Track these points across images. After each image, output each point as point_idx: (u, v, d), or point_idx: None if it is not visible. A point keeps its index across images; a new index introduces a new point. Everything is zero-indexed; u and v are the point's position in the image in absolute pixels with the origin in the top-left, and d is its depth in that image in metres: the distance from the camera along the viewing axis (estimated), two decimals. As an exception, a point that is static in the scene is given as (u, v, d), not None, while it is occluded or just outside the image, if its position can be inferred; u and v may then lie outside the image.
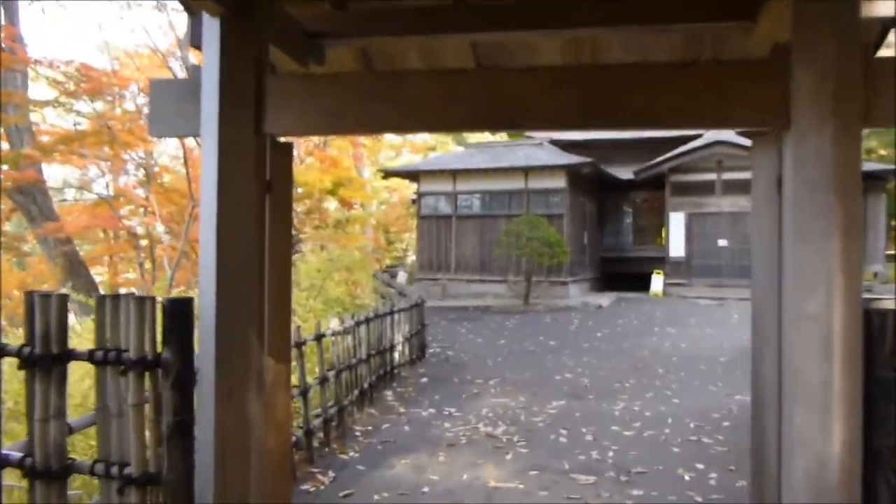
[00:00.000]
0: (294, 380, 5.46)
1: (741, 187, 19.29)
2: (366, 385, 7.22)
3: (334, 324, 6.30)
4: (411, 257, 27.77)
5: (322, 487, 4.86)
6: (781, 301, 2.48)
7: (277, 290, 2.69)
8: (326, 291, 11.23)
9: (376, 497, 4.61)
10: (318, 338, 5.86)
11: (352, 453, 5.68)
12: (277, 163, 2.76)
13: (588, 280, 20.41)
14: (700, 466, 5.16)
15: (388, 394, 7.94)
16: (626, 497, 4.55)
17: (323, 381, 5.84)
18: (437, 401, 7.68)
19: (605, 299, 17.95)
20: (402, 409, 7.28)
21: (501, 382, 8.69)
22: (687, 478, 4.92)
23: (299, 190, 19.85)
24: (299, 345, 5.37)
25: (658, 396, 7.73)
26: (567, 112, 2.63)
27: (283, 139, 2.89)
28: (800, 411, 2.27)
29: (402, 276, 22.51)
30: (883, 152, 31.97)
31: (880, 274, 21.29)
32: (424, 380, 8.91)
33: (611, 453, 5.56)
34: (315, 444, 5.80)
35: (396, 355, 9.11)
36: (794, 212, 2.34)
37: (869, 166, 21.12)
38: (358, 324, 6.99)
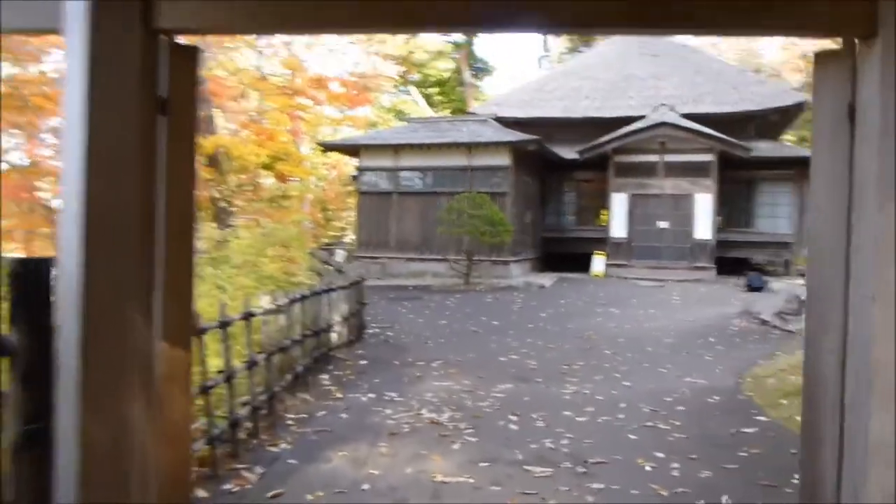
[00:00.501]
0: (220, 363, 4.88)
1: (683, 170, 19.37)
2: (300, 369, 6.66)
3: (265, 302, 5.71)
4: (351, 236, 27.05)
5: (248, 487, 4.31)
6: (850, 276, 2.02)
7: (176, 251, 2.04)
8: (259, 268, 10.55)
9: (309, 497, 4.10)
10: (247, 317, 5.26)
11: (283, 445, 5.13)
12: (178, 74, 2.12)
13: (530, 260, 20.18)
14: (660, 455, 4.82)
15: (325, 377, 7.39)
16: (586, 492, 4.16)
17: (251, 364, 5.26)
18: (378, 385, 7.18)
19: (547, 279, 17.75)
20: (339, 395, 6.75)
21: (444, 364, 8.25)
22: (648, 468, 4.58)
23: (234, 164, 18.93)
24: (224, 325, 4.78)
25: (608, 379, 7.43)
26: (605, 11, 2.05)
27: (184, 40, 2.21)
28: (879, 414, 1.83)
29: (340, 255, 21.80)
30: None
31: (812, 257, 21.79)
32: (364, 362, 8.39)
33: (565, 441, 5.18)
34: (242, 435, 5.23)
35: (334, 336, 8.56)
36: (879, 151, 1.84)
37: (803, 152, 21.49)
38: (292, 302, 6.41)
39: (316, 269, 14.56)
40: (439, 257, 18.31)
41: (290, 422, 5.73)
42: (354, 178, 21.23)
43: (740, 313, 12.04)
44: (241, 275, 9.64)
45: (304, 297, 6.83)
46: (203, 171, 19.24)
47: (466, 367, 8.07)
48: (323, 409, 6.15)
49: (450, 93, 44.02)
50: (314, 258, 15.70)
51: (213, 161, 19.00)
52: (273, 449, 5.03)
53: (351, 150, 20.27)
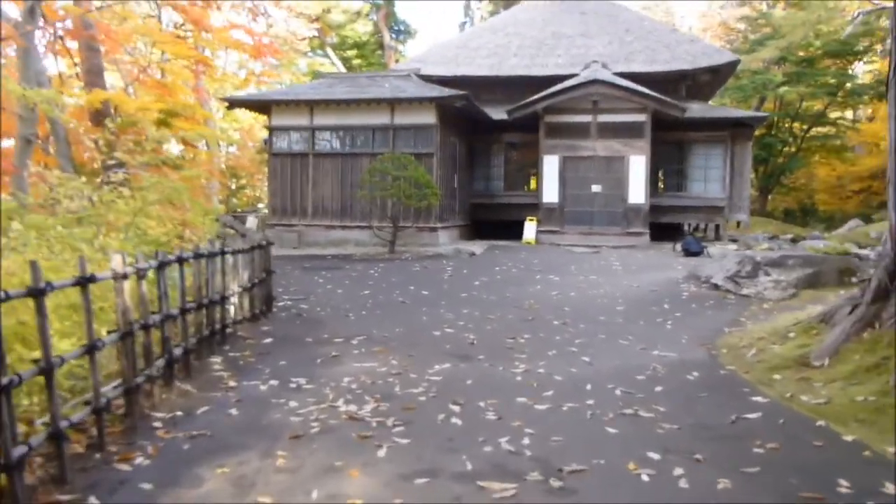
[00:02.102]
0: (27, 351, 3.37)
1: (616, 131, 18.48)
2: (178, 352, 5.15)
3: (117, 263, 4.16)
4: (265, 204, 25.07)
5: (65, 534, 2.86)
6: None
7: None
8: (143, 232, 8.85)
9: (156, 553, 2.69)
10: (82, 284, 3.73)
11: (140, 460, 3.67)
12: None
13: (458, 227, 18.93)
14: (654, 457, 3.64)
15: (217, 361, 5.89)
16: (570, 521, 2.92)
17: (91, 349, 3.75)
18: (283, 368, 5.75)
19: (478, 247, 16.55)
20: (232, 383, 5.29)
21: (367, 341, 6.88)
22: (644, 478, 3.37)
23: (122, 120, 16.78)
24: (36, 293, 3.25)
25: (563, 355, 6.24)
26: None
27: None
28: None
29: (252, 222, 19.94)
30: (745, 105, 32.84)
31: (743, 223, 21.47)
32: (268, 340, 6.92)
33: (527, 440, 3.92)
34: (79, 448, 3.73)
35: (231, 309, 7.03)
36: None
37: (736, 114, 21.03)
38: (162, 265, 4.88)
39: (221, 236, 12.90)
40: (362, 224, 16.80)
41: (156, 424, 4.25)
42: (266, 141, 19.37)
43: (687, 278, 11.15)
44: (117, 239, 7.97)
45: (181, 260, 5.29)
46: (87, 128, 17.02)
47: (394, 344, 6.73)
48: (207, 404, 4.69)
49: (369, 56, 42.06)
50: (220, 225, 13.99)
51: (100, 116, 16.78)
52: (123, 467, 3.57)
53: (261, 107, 18.36)
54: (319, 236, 17.16)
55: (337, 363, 5.97)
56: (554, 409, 4.55)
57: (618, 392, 4.92)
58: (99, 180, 8.90)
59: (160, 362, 4.79)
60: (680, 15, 47.94)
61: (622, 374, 5.42)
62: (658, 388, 5.00)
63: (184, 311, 5.29)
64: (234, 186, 31.36)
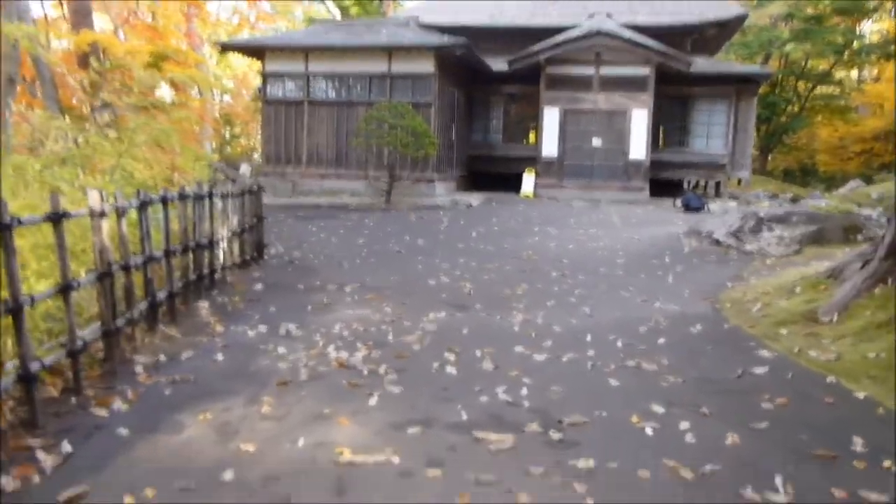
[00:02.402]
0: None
1: (619, 84, 18.05)
2: (162, 295, 4.94)
3: (94, 201, 3.91)
4: (259, 155, 24.67)
5: (34, 480, 2.67)
6: None
7: None
8: (129, 174, 8.57)
9: (127, 501, 2.51)
10: (54, 220, 3.49)
11: (118, 404, 3.48)
12: None
13: (455, 179, 18.63)
14: (658, 409, 3.47)
15: (203, 305, 5.68)
16: (571, 475, 2.74)
17: (65, 289, 3.52)
18: (273, 314, 5.56)
19: (475, 199, 16.27)
20: (219, 328, 5.10)
21: (360, 289, 6.68)
22: (648, 431, 3.20)
23: (110, 63, 16.27)
24: (2, 228, 3.01)
25: (563, 305, 6.06)
26: None
27: None
28: None
29: (245, 169, 19.66)
30: (750, 62, 32.24)
31: (744, 181, 21.19)
32: (259, 286, 6.72)
33: (525, 391, 3.75)
34: (55, 392, 3.55)
35: (221, 255, 6.81)
36: None
37: (742, 69, 20.60)
38: (144, 205, 4.62)
39: (212, 181, 12.63)
40: (357, 174, 16.49)
41: (138, 368, 4.06)
42: (260, 88, 18.88)
43: (688, 233, 10.93)
44: (102, 181, 7.70)
45: (165, 200, 5.03)
46: (74, 70, 16.52)
47: (388, 292, 6.53)
48: (192, 349, 4.50)
49: (367, 5, 41.00)
50: (213, 171, 13.71)
51: (88, 59, 16.27)
52: (99, 412, 3.38)
53: (255, 52, 17.81)
54: (314, 185, 16.84)
55: (328, 310, 5.78)
56: (553, 359, 4.37)
57: (619, 344, 4.75)
58: (86, 123, 8.56)
59: (142, 305, 4.58)
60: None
61: (623, 326, 5.24)
62: (661, 341, 4.83)
63: (168, 254, 5.06)
64: (227, 135, 30.87)
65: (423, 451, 2.94)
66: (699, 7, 20.17)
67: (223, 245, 6.80)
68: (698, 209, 15.30)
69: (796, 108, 35.82)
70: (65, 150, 8.20)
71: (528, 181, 18.28)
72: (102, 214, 3.94)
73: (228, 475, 2.70)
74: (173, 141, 9.80)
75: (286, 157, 17.15)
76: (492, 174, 19.84)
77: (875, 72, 36.20)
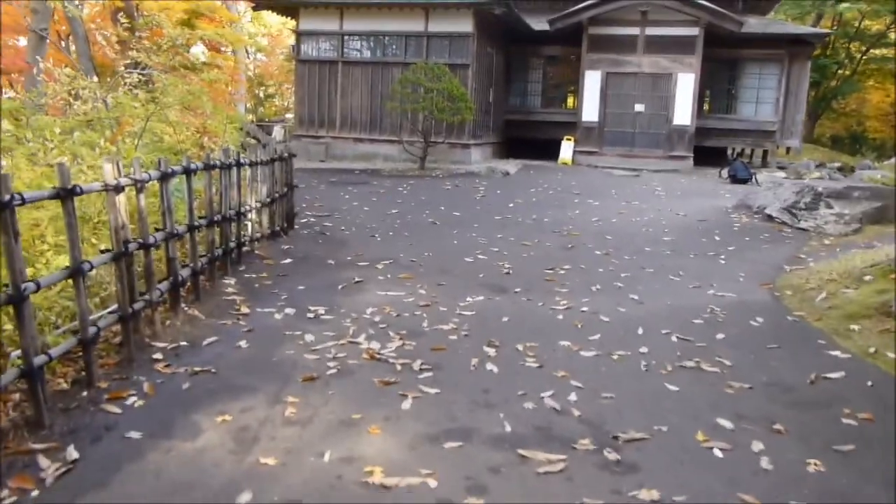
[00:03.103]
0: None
1: (664, 46, 17.23)
2: (186, 273, 4.66)
3: (109, 174, 3.60)
4: (292, 116, 24.35)
5: (33, 495, 2.41)
6: None
7: None
8: (158, 138, 8.30)
9: (130, 531, 2.24)
10: (62, 196, 3.19)
11: (132, 399, 3.22)
12: None
13: (491, 144, 18.10)
14: (726, 424, 3.09)
15: (230, 283, 5.42)
16: (634, 511, 2.40)
17: (75, 273, 3.24)
18: (301, 294, 5.27)
19: (512, 166, 15.78)
20: (245, 309, 4.82)
21: (394, 266, 6.36)
22: (718, 453, 2.84)
23: (144, 20, 15.95)
24: (1, 208, 2.71)
25: (609, 290, 5.66)
26: None
27: None
28: None
29: (278, 132, 19.42)
30: (800, 23, 30.87)
31: (794, 150, 20.29)
32: (288, 261, 6.43)
33: (574, 396, 3.39)
34: (65, 384, 3.30)
35: (249, 226, 6.54)
36: None
37: (796, 30, 19.53)
38: (165, 176, 4.31)
39: (244, 146, 12.37)
40: (391, 138, 16.07)
41: (156, 356, 3.80)
42: (293, 47, 18.44)
43: (737, 207, 10.39)
44: (129, 146, 7.44)
45: (188, 172, 4.72)
46: (106, 26, 16.27)
47: (422, 271, 6.20)
48: (215, 334, 4.23)
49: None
50: (245, 134, 13.43)
51: (121, 15, 16.00)
52: (111, 408, 3.12)
53: (289, 9, 17.33)
54: (347, 149, 16.49)
55: (360, 290, 5.46)
56: (602, 356, 4.01)
57: (674, 339, 4.36)
58: (111, 81, 8.28)
59: (163, 285, 4.30)
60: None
61: (677, 317, 4.84)
62: (720, 336, 4.42)
63: (192, 229, 4.76)
64: (261, 95, 30.58)
65: (463, 473, 2.61)
66: (753, -37, 19.09)
67: (252, 216, 6.51)
68: (745, 180, 14.64)
69: (848, 72, 34.31)
70: (93, 111, 7.92)
71: (567, 148, 17.69)
72: (118, 189, 3.64)
73: (244, 497, 2.41)
74: (204, 102, 9.48)
75: (319, 119, 16.78)
76: (529, 140, 19.24)
77: (932, 33, 34.37)
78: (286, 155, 7.75)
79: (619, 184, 13.44)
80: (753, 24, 17.97)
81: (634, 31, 17.30)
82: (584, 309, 5.03)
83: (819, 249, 7.66)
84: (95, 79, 13.31)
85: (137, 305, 3.88)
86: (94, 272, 3.85)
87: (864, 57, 34.00)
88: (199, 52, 19.69)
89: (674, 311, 5.02)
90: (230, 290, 5.26)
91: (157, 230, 4.33)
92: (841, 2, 29.85)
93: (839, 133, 38.56)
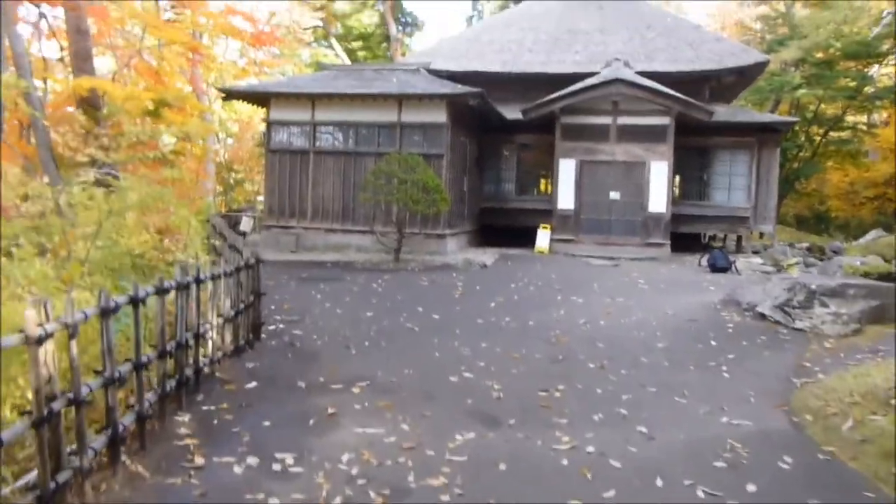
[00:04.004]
0: None
1: (637, 134, 17.30)
2: (128, 421, 3.98)
3: (32, 322, 2.98)
4: (262, 200, 23.93)
5: None
6: None
7: None
8: (113, 242, 7.68)
9: None
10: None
11: None
12: None
13: (467, 233, 17.77)
14: None
15: (183, 421, 4.73)
16: None
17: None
18: (266, 433, 4.60)
19: (488, 256, 15.38)
20: (199, 459, 4.13)
21: (371, 389, 5.72)
22: None
23: (110, 109, 15.56)
24: None
25: (613, 421, 5.07)
26: None
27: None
28: None
29: (247, 223, 18.89)
30: (761, 108, 31.80)
31: (767, 234, 20.31)
32: (252, 384, 5.75)
33: None
34: None
35: (210, 345, 5.88)
36: None
37: (764, 118, 19.87)
38: (106, 312, 3.69)
39: (215, 240, 11.79)
40: (364, 229, 15.63)
41: (83, 543, 3.09)
42: (264, 135, 18.18)
43: (725, 302, 10.00)
44: (81, 250, 6.83)
45: (135, 301, 4.11)
46: (73, 118, 15.82)
47: (404, 395, 5.57)
48: (160, 499, 3.52)
49: (375, 48, 40.82)
50: (211, 227, 12.85)
51: (87, 105, 15.57)
52: None
53: (259, 99, 17.12)
54: (318, 240, 15.98)
55: (334, 426, 4.81)
56: (623, 524, 3.40)
57: (700, 493, 3.77)
58: (61, 187, 7.71)
59: (99, 442, 3.62)
60: (690, 14, 46.65)
61: (695, 458, 4.26)
62: (751, 488, 3.84)
63: (138, 368, 4.12)
64: (231, 180, 30.21)
65: None
66: (718, 54, 19.56)
67: (212, 335, 5.87)
68: (725, 269, 14.40)
69: (808, 154, 35.27)
70: (40, 218, 7.33)
71: (544, 236, 17.41)
72: (43, 339, 3.02)
73: None
74: (167, 201, 8.95)
75: (290, 209, 16.32)
76: (504, 227, 19.00)
77: (885, 115, 35.66)
78: (252, 261, 7.17)
79: (600, 276, 13.05)
80: (722, 112, 18.21)
81: (607, 120, 17.37)
82: (590, 449, 4.43)
83: (822, 355, 7.22)
84: (54, 169, 12.74)
85: (63, 476, 3.20)
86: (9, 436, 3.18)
87: (824, 139, 35.04)
88: (166, 140, 19.31)
89: (690, 448, 4.44)
90: (183, 430, 4.57)
91: (95, 372, 3.69)
92: (798, 88, 30.93)
93: (803, 213, 39.34)
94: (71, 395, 3.30)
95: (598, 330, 8.31)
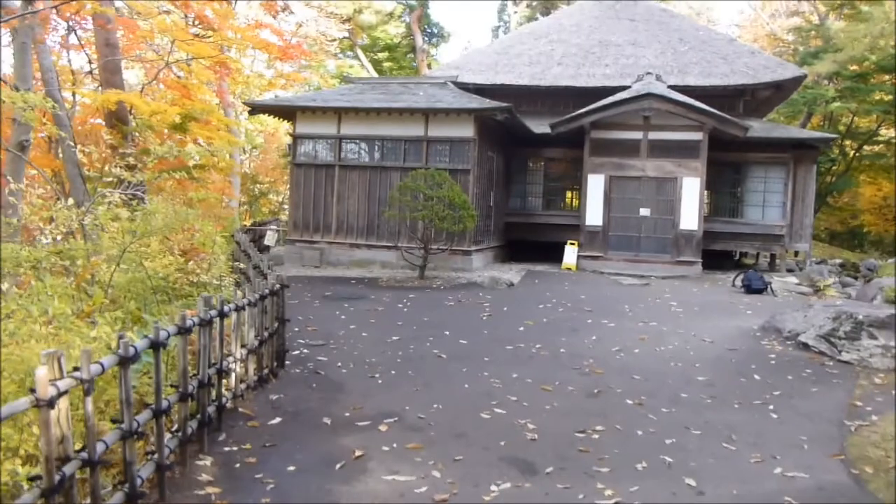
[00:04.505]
0: None
1: (668, 150, 16.91)
2: (146, 473, 3.76)
3: (42, 382, 2.77)
4: (287, 212, 23.86)
5: None
6: None
7: None
8: (137, 264, 7.54)
9: None
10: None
11: None
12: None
13: (493, 248, 17.50)
14: None
15: (205, 465, 4.51)
16: None
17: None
18: (290, 481, 4.36)
19: (514, 273, 15.10)
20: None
21: (399, 426, 5.47)
22: None
23: (139, 123, 15.57)
24: None
25: (657, 470, 4.76)
26: None
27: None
28: None
29: (271, 237, 18.80)
30: (794, 121, 31.24)
31: (803, 252, 19.76)
32: (276, 420, 5.53)
33: None
34: None
35: (233, 379, 5.67)
36: None
37: (801, 134, 19.37)
38: (125, 361, 3.48)
39: (240, 257, 11.69)
40: (389, 244, 15.45)
41: None
42: (289, 147, 18.11)
43: (765, 329, 9.62)
44: (109, 271, 6.68)
45: (156, 346, 3.90)
46: (101, 132, 15.86)
47: (433, 434, 5.31)
48: (178, 564, 3.30)
49: (401, 59, 40.80)
50: (235, 244, 12.76)
51: (115, 119, 15.59)
52: None
53: (285, 112, 17.07)
54: (343, 256, 15.81)
55: (361, 471, 4.55)
56: None
57: (761, 565, 3.45)
58: (85, 207, 7.57)
59: (115, 500, 3.40)
60: (720, 27, 46.04)
61: (752, 520, 3.94)
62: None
63: (158, 415, 3.91)
64: (256, 191, 30.27)
65: None
66: (753, 68, 19.14)
67: (235, 367, 5.66)
68: (761, 290, 13.99)
69: (841, 168, 34.61)
70: (64, 241, 7.20)
71: (571, 253, 17.07)
72: (53, 402, 2.81)
73: None
74: (192, 220, 8.81)
75: (314, 224, 16.18)
76: (530, 242, 18.71)
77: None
78: (277, 287, 6.97)
79: (631, 296, 12.70)
80: (757, 127, 17.78)
81: (637, 135, 17.03)
82: (636, 505, 4.13)
83: (873, 392, 6.84)
84: (82, 185, 12.70)
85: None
86: None
87: (857, 153, 34.38)
88: (193, 151, 19.32)
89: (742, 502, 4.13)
90: (205, 476, 4.35)
91: (112, 421, 3.48)
92: (832, 101, 30.31)
93: (835, 227, 38.51)
94: (85, 456, 3.08)
95: (633, 359, 7.99)
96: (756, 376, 7.33)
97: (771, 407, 6.29)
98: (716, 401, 6.45)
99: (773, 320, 9.93)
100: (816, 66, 29.19)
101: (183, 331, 4.28)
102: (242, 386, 5.87)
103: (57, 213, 7.21)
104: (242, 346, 5.85)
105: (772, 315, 10.26)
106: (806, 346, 8.63)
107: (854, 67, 30.61)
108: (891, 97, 30.69)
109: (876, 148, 34.69)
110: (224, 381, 5.39)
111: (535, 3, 40.98)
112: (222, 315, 5.10)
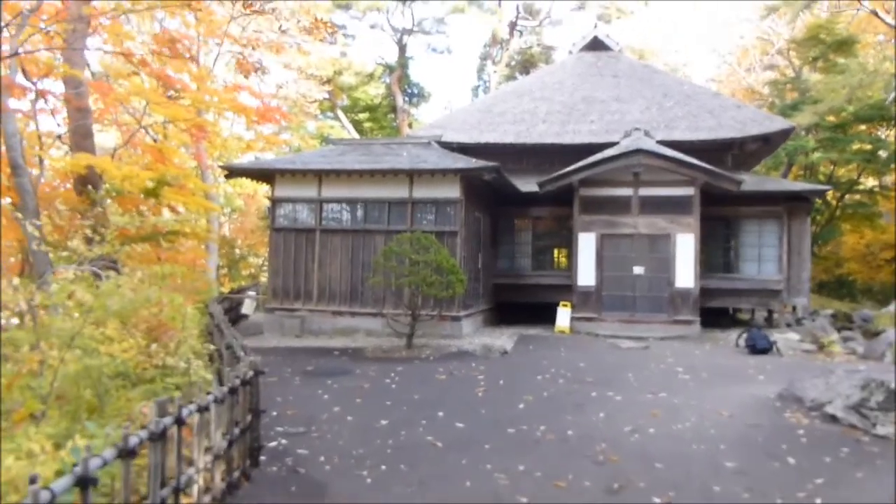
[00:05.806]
0: None
1: (660, 206, 16.44)
2: None
3: None
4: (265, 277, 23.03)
5: None
6: None
7: None
8: (93, 349, 6.69)
9: None
10: None
11: None
12: None
13: (482, 312, 16.75)
14: None
15: None
16: None
17: None
18: None
19: (507, 339, 14.32)
20: None
21: (393, 545, 4.61)
22: None
23: (109, 189, 14.86)
24: None
25: None
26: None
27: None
28: None
29: (249, 305, 17.92)
30: (774, 173, 31.24)
31: (801, 307, 19.19)
32: (246, 542, 4.65)
33: None
34: None
35: (195, 490, 4.80)
36: None
37: (794, 186, 19.08)
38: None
39: (212, 333, 10.83)
40: (373, 311, 14.66)
41: None
42: (269, 211, 17.43)
43: (783, 398, 8.89)
44: (57, 358, 5.85)
45: (84, 482, 3.07)
46: (69, 198, 15.11)
47: (433, 557, 4.45)
48: None
49: (381, 119, 40.75)
50: (208, 316, 11.89)
51: (85, 184, 14.87)
52: None
53: (264, 175, 16.45)
54: (325, 324, 14.97)
55: None
56: None
57: None
58: (34, 287, 6.79)
59: None
60: (696, 80, 46.60)
61: None
62: None
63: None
64: (236, 255, 29.46)
65: None
66: (740, 121, 18.93)
67: (198, 480, 4.79)
68: (766, 350, 13.33)
69: (825, 218, 34.60)
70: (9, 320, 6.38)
71: (564, 315, 16.37)
72: None
73: None
74: (157, 297, 8.01)
75: (295, 291, 15.38)
76: (521, 304, 18.00)
77: (896, 177, 35.11)
78: (251, 375, 6.15)
79: (632, 362, 11.95)
80: (748, 180, 17.43)
81: (628, 192, 16.58)
82: None
83: (925, 477, 6.07)
84: (44, 257, 11.86)
85: None
86: None
87: (840, 203, 34.47)
88: (166, 218, 18.57)
89: None
90: None
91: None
92: (811, 152, 30.42)
93: (821, 277, 38.27)
94: None
95: (649, 441, 7.18)
96: (790, 459, 6.55)
97: (818, 502, 5.49)
98: (753, 495, 5.64)
99: (793, 388, 9.20)
100: (796, 117, 29.26)
101: (126, 453, 3.45)
102: (207, 499, 4.99)
103: (3, 293, 6.40)
104: (208, 449, 5.00)
105: (789, 382, 9.52)
106: (834, 418, 7.90)
107: (832, 118, 30.85)
108: (870, 147, 30.92)
109: (858, 197, 34.81)
110: (184, 496, 4.53)
111: (514, 63, 41.35)
112: (179, 422, 4.27)
